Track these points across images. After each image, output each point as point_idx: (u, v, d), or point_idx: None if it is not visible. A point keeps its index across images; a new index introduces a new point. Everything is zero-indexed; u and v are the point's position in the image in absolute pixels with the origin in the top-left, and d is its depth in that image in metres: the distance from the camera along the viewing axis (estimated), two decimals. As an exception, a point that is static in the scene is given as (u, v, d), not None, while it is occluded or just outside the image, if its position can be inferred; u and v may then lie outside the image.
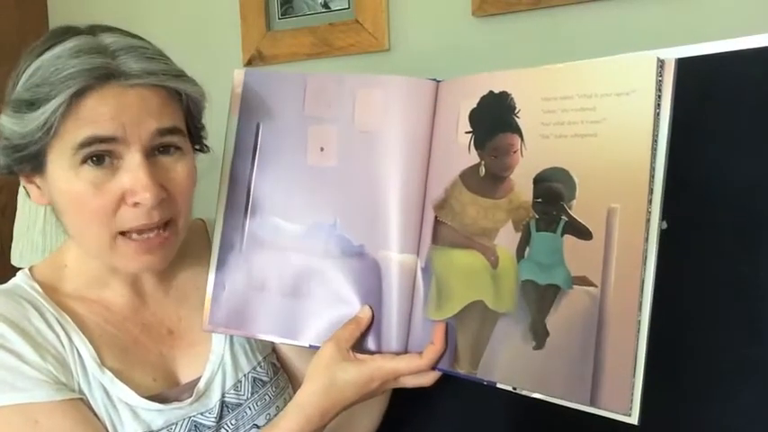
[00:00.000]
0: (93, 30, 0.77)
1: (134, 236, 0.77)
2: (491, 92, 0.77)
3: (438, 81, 0.82)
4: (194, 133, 0.85)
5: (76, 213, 0.77)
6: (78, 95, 0.72)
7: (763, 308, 0.84)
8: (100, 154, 0.74)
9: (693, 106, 0.86)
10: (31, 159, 0.76)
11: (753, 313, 0.84)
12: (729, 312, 0.86)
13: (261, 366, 0.93)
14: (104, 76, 0.72)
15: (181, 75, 0.78)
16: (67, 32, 0.76)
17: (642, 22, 1.20)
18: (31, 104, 0.73)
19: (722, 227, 0.87)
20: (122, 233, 0.77)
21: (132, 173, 0.74)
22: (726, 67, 0.86)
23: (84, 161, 0.74)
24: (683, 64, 0.84)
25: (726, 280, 0.86)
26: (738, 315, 0.85)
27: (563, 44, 1.24)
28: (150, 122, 0.75)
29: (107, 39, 0.75)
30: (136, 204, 0.75)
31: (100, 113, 0.73)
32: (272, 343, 0.96)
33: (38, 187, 0.80)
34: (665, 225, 0.88)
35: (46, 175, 0.77)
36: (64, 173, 0.75)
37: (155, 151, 0.77)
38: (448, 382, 0.79)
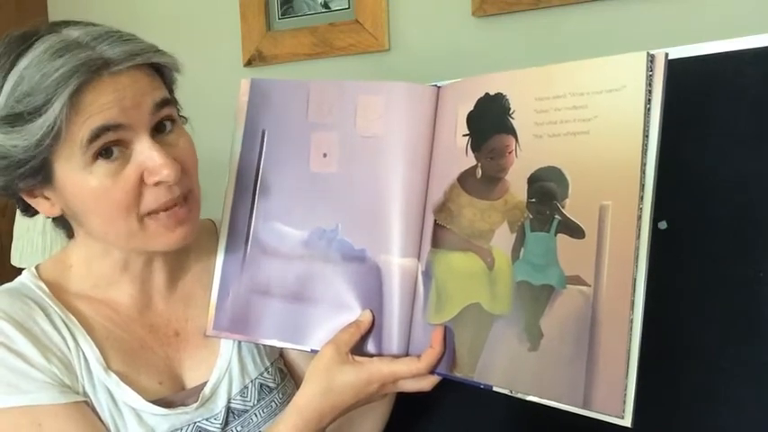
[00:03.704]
0: (52, 28, 0.76)
1: (161, 214, 0.78)
2: (487, 94, 0.76)
3: (439, 86, 0.82)
4: (175, 103, 0.84)
5: (100, 210, 0.76)
6: (76, 93, 0.71)
7: (763, 308, 0.83)
8: (109, 146, 0.74)
9: (693, 106, 0.86)
10: (37, 172, 0.75)
11: (753, 313, 0.84)
12: (729, 312, 0.85)
13: (268, 372, 0.93)
14: (96, 68, 0.72)
15: (158, 49, 0.79)
16: (27, 38, 0.74)
17: (642, 23, 1.19)
18: (29, 114, 0.71)
19: (722, 227, 0.86)
20: (148, 214, 0.77)
21: (146, 154, 0.75)
22: (726, 67, 0.85)
23: (95, 157, 0.74)
24: (683, 64, 0.84)
25: (726, 280, 0.85)
26: (738, 315, 0.84)
27: (563, 44, 1.24)
28: (147, 100, 0.76)
29: (73, 33, 0.74)
30: (158, 184, 0.76)
31: (101, 105, 0.72)
32: (280, 348, 0.96)
33: (46, 199, 0.79)
34: (665, 225, 0.87)
35: (55, 184, 0.76)
36: (77, 174, 0.75)
37: (155, 131, 0.77)
38: (448, 385, 0.79)
